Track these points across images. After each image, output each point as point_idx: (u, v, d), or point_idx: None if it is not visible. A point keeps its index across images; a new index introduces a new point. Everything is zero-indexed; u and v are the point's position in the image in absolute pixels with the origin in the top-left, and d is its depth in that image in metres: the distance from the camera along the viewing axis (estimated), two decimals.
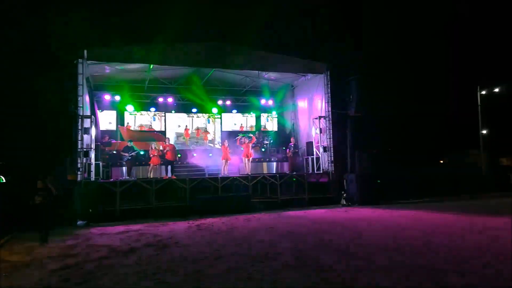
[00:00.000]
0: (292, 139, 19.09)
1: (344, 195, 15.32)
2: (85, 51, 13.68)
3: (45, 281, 5.80)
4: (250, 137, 17.48)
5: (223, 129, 21.49)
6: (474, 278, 5.17)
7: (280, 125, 22.31)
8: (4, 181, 20.14)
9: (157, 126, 20.20)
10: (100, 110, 18.57)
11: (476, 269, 5.57)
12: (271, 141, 20.63)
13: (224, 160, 16.20)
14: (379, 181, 15.45)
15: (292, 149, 18.51)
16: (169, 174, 15.91)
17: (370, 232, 8.94)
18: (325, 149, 16.84)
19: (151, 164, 15.83)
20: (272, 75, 18.96)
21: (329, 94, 16.97)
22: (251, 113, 22.08)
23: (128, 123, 19.47)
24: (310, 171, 17.45)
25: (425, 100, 27.42)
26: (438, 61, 27.98)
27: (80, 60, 13.66)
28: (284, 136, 21.29)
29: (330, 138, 16.84)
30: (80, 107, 13.52)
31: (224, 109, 21.39)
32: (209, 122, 21.37)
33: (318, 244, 7.85)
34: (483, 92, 23.23)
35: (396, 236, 8.24)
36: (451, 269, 5.58)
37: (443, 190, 17.60)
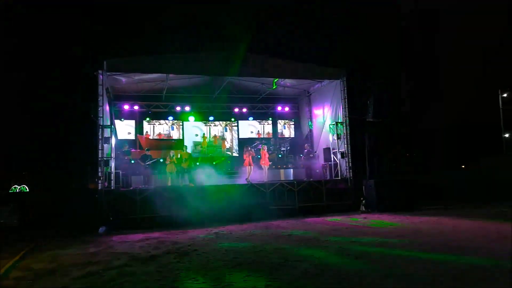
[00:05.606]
0: (306, 146, 19.04)
1: (363, 201, 15.13)
2: (105, 62, 14.02)
3: None
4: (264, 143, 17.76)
5: (240, 137, 21.57)
6: None
7: (297, 131, 22.27)
8: (28, 190, 20.68)
9: (175, 135, 20.42)
10: (120, 120, 18.93)
11: None
12: (288, 148, 20.59)
13: (248, 167, 16.22)
14: None
15: (305, 155, 18.44)
16: (187, 182, 16.03)
17: (392, 238, 8.80)
18: (342, 155, 16.69)
19: (168, 172, 16.05)
20: (288, 81, 18.99)
21: (346, 100, 16.88)
22: (268, 120, 22.11)
23: (147, 132, 19.75)
24: (328, 177, 17.33)
25: (444, 104, 27.03)
26: (458, 64, 27.58)
27: (100, 71, 14.00)
28: (301, 143, 21.25)
29: (348, 144, 16.71)
30: (100, 117, 13.81)
31: (240, 117, 21.49)
32: (226, 130, 21.47)
33: (338, 251, 7.78)
34: (505, 95, 22.69)
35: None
36: None
37: (466, 195, 17.14)
